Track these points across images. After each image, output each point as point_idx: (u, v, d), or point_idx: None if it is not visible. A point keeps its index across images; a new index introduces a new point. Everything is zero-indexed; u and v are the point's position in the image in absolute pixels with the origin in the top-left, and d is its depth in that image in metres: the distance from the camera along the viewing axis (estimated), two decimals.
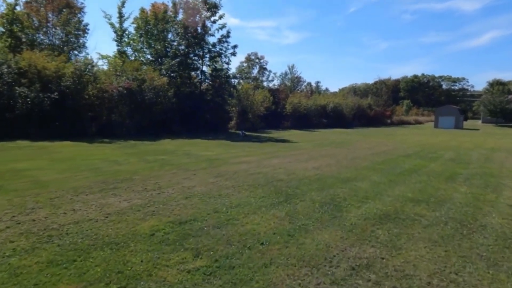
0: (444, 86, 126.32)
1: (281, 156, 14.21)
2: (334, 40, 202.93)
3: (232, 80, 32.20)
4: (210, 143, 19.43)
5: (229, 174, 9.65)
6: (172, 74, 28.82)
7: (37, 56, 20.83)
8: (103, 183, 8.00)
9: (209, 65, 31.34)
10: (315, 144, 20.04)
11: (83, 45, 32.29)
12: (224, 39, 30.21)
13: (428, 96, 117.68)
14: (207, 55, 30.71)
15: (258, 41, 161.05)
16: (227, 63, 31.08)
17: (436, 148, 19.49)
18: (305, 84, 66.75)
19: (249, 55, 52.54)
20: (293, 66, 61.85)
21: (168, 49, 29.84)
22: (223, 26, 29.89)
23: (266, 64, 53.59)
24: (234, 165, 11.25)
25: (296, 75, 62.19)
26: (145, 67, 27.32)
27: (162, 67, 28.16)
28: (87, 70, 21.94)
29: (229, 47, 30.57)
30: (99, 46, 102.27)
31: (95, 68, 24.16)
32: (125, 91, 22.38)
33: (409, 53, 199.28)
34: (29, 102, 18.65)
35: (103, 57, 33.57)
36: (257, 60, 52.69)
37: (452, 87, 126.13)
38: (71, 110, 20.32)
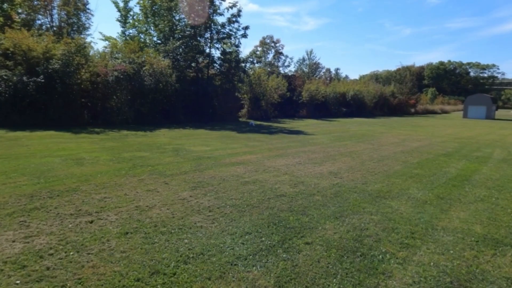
0: (472, 74, 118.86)
1: (290, 154, 11.55)
2: (355, 26, 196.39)
3: (243, 65, 29.17)
4: (212, 134, 16.94)
5: (213, 183, 7.11)
6: (178, 57, 26.27)
7: (24, 36, 18.72)
8: (29, 198, 5.65)
9: (217, 48, 28.57)
10: (333, 137, 17.23)
11: (87, 27, 30.20)
12: (234, 19, 27.32)
13: (454, 84, 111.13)
14: (216, 37, 27.90)
15: (277, 27, 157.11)
16: (237, 46, 28.21)
17: (477, 144, 16.37)
18: (324, 70, 62.78)
19: (264, 39, 49.08)
20: (311, 52, 57.86)
21: (174, 30, 27.25)
22: (233, 5, 26.97)
23: (282, 48, 49.82)
24: (226, 168, 8.70)
25: (314, 61, 58.33)
26: (151, 50, 24.95)
27: (166, 47, 25.59)
28: (78, 51, 19.59)
29: (240, 28, 27.69)
30: (103, 27, 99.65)
31: (90, 50, 21.95)
32: (121, 76, 20.08)
33: (434, 40, 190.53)
34: (12, 86, 16.74)
35: (106, 38, 31.56)
36: (272, 44, 49.27)
37: (481, 75, 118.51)
38: (61, 96, 18.18)
